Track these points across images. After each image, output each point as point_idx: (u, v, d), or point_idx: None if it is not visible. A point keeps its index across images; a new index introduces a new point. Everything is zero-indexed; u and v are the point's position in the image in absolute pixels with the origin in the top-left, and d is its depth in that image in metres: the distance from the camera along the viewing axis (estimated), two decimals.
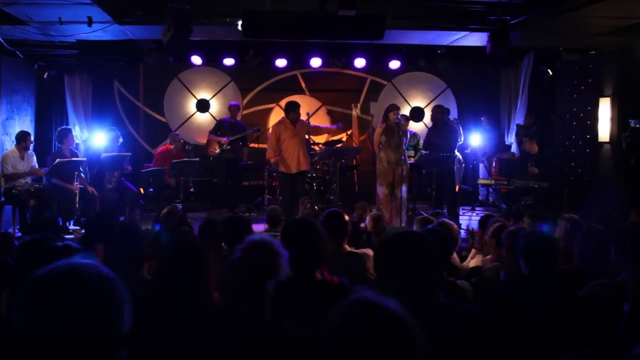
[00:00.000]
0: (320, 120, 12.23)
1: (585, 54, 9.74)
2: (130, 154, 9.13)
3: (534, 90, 10.88)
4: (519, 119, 11.10)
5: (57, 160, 8.05)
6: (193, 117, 12.06)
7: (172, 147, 9.71)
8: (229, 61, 10.92)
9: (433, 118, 9.98)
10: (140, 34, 8.09)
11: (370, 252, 4.15)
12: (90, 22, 6.70)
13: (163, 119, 12.02)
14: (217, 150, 10.05)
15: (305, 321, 2.20)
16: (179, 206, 7.83)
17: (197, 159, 9.34)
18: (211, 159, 10.34)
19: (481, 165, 11.59)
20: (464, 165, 11.60)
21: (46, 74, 9.71)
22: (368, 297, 1.39)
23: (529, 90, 10.87)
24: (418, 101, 12.61)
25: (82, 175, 8.89)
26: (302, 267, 2.84)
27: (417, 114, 12.51)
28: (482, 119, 11.44)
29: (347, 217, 4.00)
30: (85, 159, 8.20)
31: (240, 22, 6.57)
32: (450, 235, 4.24)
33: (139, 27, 7.53)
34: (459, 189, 11.87)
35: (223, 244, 4.37)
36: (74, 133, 10.50)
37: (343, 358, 1.31)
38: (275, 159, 9.06)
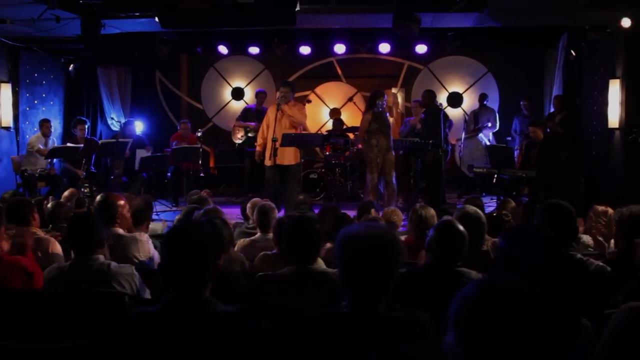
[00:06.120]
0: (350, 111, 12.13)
1: (605, 32, 8.89)
2: (130, 140, 9.68)
3: (566, 73, 10.11)
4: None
5: (54, 146, 8.78)
6: (228, 105, 12.49)
7: (181, 132, 10.18)
8: (254, 50, 11.10)
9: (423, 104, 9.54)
10: (127, 27, 8.47)
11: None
12: (58, 19, 7.23)
13: (202, 107, 12.57)
14: (243, 138, 10.29)
15: None
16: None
17: (199, 146, 9.67)
18: (236, 146, 10.64)
19: (517, 152, 10.92)
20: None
21: (71, 66, 10.52)
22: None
23: (563, 73, 10.14)
24: (456, 86, 12.11)
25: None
26: None
27: (454, 100, 12.04)
28: (522, 103, 10.75)
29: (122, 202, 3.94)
30: (81, 145, 8.84)
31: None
32: None
33: (120, 21, 7.92)
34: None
35: None
36: (109, 122, 11.41)
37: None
38: (259, 148, 8.05)
